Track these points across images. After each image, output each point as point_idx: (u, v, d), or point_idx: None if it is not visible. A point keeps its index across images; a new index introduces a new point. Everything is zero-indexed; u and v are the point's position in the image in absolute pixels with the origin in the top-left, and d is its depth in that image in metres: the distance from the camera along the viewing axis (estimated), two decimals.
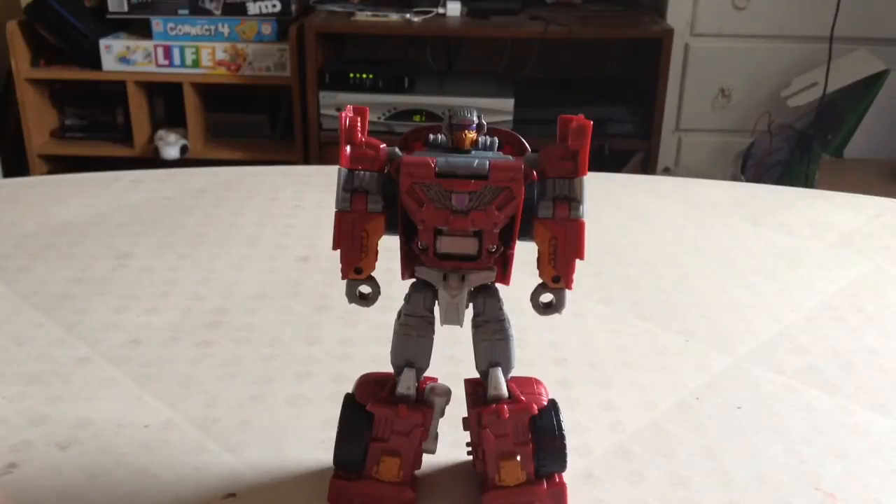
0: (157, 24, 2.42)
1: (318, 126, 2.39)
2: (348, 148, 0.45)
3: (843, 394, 0.63)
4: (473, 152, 0.45)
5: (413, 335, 0.48)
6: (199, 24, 2.42)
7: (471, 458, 0.52)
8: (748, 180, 2.41)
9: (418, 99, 2.36)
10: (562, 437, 0.48)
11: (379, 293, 0.47)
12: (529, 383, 0.50)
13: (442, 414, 0.49)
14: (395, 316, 0.48)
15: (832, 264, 0.86)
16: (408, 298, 0.48)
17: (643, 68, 2.47)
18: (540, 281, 0.46)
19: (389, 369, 0.49)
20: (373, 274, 0.46)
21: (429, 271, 0.46)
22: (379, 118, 2.33)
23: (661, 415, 0.60)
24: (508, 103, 2.31)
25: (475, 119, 0.45)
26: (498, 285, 0.47)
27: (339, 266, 0.46)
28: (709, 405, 0.61)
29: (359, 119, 0.46)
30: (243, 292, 0.76)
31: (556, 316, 0.47)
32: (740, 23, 2.42)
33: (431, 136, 0.46)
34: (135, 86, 2.46)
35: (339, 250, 0.46)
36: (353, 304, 0.47)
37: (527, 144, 0.47)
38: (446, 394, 0.49)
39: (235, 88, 2.48)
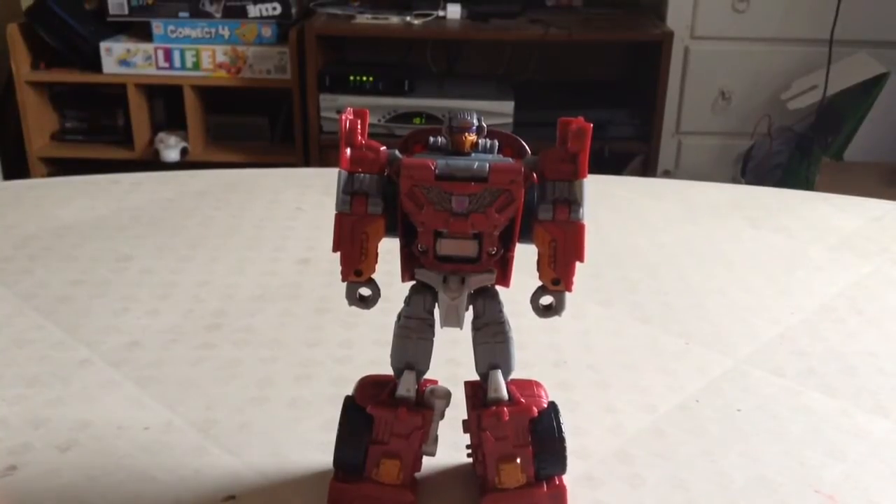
0: (157, 26, 2.42)
1: (319, 129, 2.39)
2: (348, 150, 0.45)
3: (842, 396, 0.63)
4: (473, 155, 0.45)
5: (413, 337, 0.48)
6: (199, 27, 2.42)
7: (470, 460, 0.52)
8: (748, 183, 2.40)
9: (418, 102, 2.36)
10: (562, 439, 0.48)
11: (379, 295, 0.47)
12: (529, 385, 0.50)
13: (442, 416, 0.49)
14: (395, 318, 0.48)
15: (832, 267, 0.86)
16: (408, 301, 0.48)
17: (643, 71, 2.47)
18: (540, 283, 0.46)
19: (389, 371, 0.49)
20: (373, 276, 0.46)
21: (429, 274, 0.46)
22: (379, 121, 2.34)
23: (660, 417, 0.60)
24: (508, 106, 2.32)
25: (475, 122, 0.45)
26: (498, 287, 0.48)
27: (339, 268, 0.46)
28: (708, 407, 0.61)
29: (359, 121, 0.46)
30: (243, 294, 0.76)
31: (555, 318, 0.47)
32: (740, 25, 2.42)
33: (431, 139, 0.46)
34: (135, 88, 2.46)
35: (339, 252, 0.46)
36: (353, 307, 0.47)
37: (527, 147, 0.47)
38: (446, 396, 0.49)
39: (236, 91, 2.49)
